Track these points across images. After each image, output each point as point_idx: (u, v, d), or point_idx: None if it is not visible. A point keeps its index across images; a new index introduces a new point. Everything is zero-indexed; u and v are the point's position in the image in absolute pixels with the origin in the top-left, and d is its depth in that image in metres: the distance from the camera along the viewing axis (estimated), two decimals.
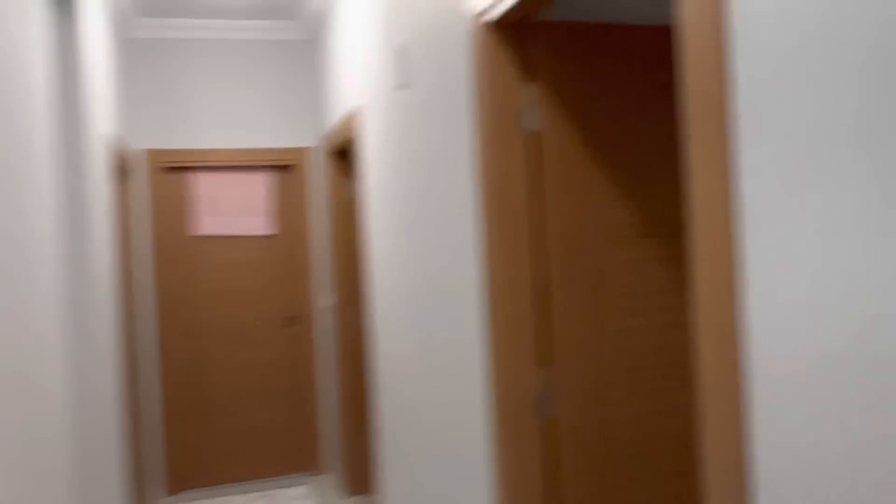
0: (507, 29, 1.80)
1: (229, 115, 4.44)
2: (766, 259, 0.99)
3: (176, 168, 4.44)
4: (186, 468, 4.44)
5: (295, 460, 4.62)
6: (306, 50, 4.55)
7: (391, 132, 2.78)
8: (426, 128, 2.34)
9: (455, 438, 2.22)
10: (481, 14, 1.78)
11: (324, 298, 4.58)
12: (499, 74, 1.79)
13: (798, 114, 0.92)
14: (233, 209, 4.54)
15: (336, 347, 4.34)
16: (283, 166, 4.59)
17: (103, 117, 3.01)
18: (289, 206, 4.62)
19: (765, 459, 1.02)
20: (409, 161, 2.56)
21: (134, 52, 4.28)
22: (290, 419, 4.61)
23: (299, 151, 4.54)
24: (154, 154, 4.33)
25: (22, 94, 1.60)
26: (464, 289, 2.06)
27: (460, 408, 2.16)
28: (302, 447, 4.62)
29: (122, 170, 3.80)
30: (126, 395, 3.49)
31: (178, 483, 4.43)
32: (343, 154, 4.18)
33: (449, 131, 2.11)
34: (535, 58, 1.84)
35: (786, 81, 0.94)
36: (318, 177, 4.58)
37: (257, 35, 4.46)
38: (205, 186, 4.49)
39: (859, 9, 0.83)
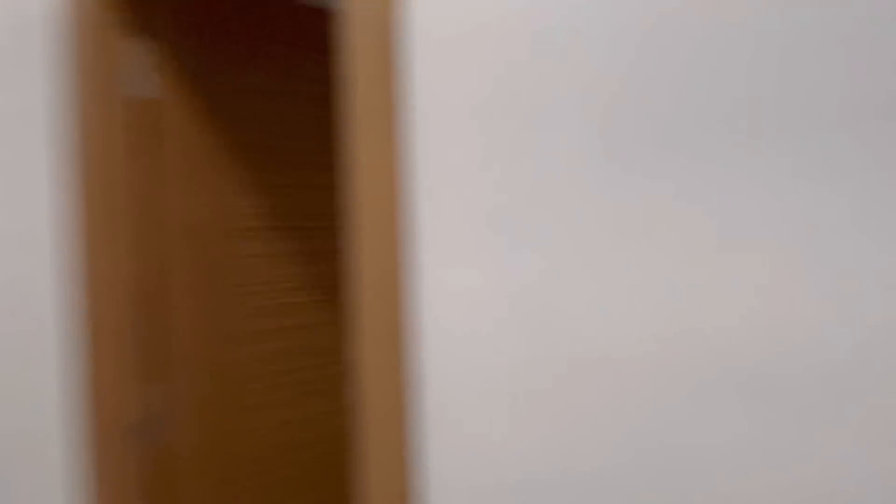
0: None
1: None
2: (437, 258, 0.93)
3: None
4: None
5: None
6: None
7: None
8: None
9: (33, 484, 1.80)
10: None
11: None
12: (97, 23, 1.44)
13: (475, 102, 0.88)
14: None
15: None
16: None
17: None
18: None
19: (435, 468, 0.96)
20: None
21: None
22: None
23: None
24: None
25: None
26: (40, 293, 1.66)
27: (38, 443, 1.74)
28: None
29: None
30: None
31: None
32: None
33: (26, 92, 1.68)
34: (152, 11, 1.52)
35: (457, 70, 0.89)
36: None
37: None
38: None
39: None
